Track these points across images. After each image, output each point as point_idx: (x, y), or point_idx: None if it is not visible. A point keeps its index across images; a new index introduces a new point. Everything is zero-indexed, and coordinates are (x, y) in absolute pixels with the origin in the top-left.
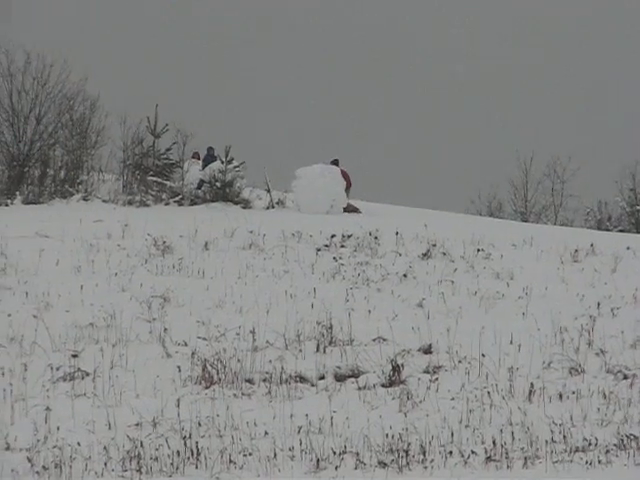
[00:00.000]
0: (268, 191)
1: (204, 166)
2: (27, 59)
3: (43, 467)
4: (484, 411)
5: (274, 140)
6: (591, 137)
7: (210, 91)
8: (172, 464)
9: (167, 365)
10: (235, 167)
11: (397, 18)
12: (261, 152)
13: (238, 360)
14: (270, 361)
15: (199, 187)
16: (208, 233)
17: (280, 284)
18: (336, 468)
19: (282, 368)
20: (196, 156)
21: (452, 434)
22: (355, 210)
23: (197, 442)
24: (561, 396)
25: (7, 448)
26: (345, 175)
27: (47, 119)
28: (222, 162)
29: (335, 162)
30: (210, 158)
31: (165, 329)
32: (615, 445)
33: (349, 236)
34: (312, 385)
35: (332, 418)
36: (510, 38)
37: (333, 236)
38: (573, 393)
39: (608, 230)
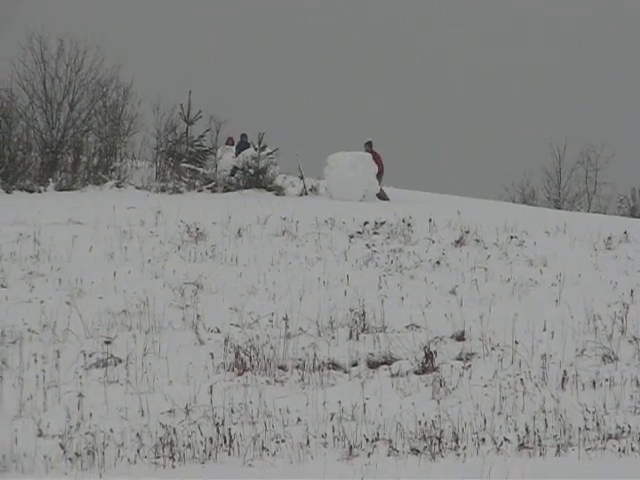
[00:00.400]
0: (301, 178)
1: (237, 153)
2: (60, 46)
3: (76, 454)
4: (517, 398)
5: (308, 126)
6: (625, 124)
7: (243, 78)
8: (205, 451)
9: (200, 352)
10: (268, 154)
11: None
12: (294, 138)
13: (271, 347)
14: (303, 348)
15: (232, 174)
16: (241, 220)
17: (313, 271)
18: (369, 455)
19: (315, 355)
20: (230, 142)
21: (485, 421)
22: (384, 198)
23: (230, 429)
24: (594, 384)
25: (40, 434)
26: (378, 159)
27: (80, 106)
28: (255, 149)
29: (369, 144)
30: (243, 145)
31: (198, 316)
32: None
33: (382, 223)
34: (345, 372)
35: (365, 405)
36: (546, 27)
37: (366, 223)
38: (606, 380)
39: None
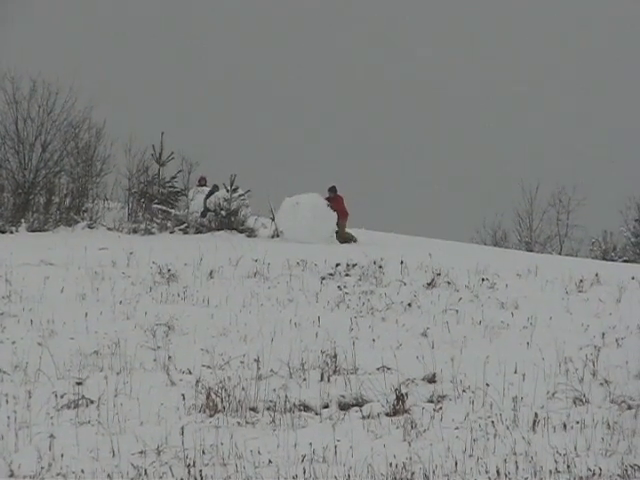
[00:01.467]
0: (273, 219)
1: (207, 197)
2: (33, 86)
3: None
4: (488, 440)
5: (279, 167)
6: (596, 167)
7: (215, 121)
8: None
9: (171, 393)
10: (240, 195)
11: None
12: (266, 180)
13: (242, 388)
14: (274, 390)
15: (203, 215)
16: (213, 261)
17: (285, 313)
18: None
19: (286, 397)
20: (202, 181)
21: (456, 463)
22: (350, 240)
23: (201, 470)
24: (565, 426)
25: (11, 475)
26: (340, 203)
27: (52, 147)
28: (227, 191)
29: (333, 189)
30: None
31: (169, 357)
32: (619, 475)
33: (354, 265)
34: (316, 414)
35: (336, 447)
36: (515, 67)
37: (338, 265)
38: (577, 423)
39: (613, 260)
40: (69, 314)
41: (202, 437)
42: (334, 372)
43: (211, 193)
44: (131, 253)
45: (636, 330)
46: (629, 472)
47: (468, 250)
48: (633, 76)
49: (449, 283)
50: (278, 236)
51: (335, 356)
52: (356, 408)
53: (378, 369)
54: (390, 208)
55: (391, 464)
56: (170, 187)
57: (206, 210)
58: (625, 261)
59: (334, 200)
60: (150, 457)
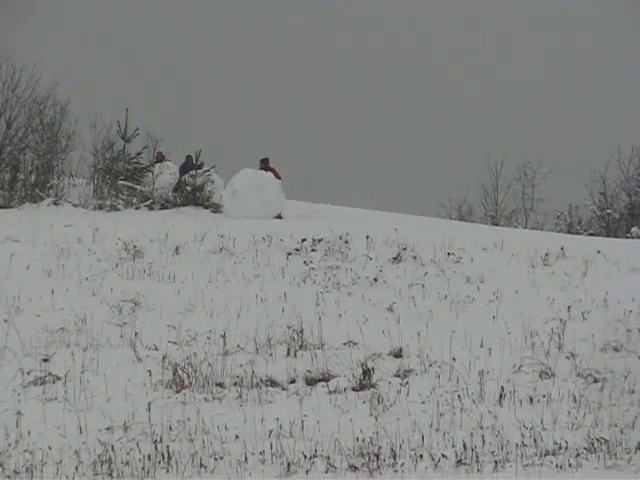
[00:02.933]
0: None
1: (182, 173)
2: None
3: (14, 471)
4: (454, 415)
5: (244, 144)
6: (561, 141)
7: (181, 95)
8: (143, 468)
9: (138, 369)
10: (205, 171)
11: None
12: (232, 156)
13: (209, 364)
14: (241, 365)
15: (176, 190)
16: (179, 237)
17: (251, 288)
18: (307, 472)
19: (253, 372)
20: (160, 156)
21: (423, 438)
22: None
23: (168, 446)
24: (532, 400)
25: None
26: (276, 174)
27: (17, 123)
28: (194, 166)
29: (265, 161)
30: (189, 166)
31: (136, 333)
32: (585, 448)
33: (319, 240)
34: (283, 389)
35: (303, 422)
36: (481, 44)
37: (304, 240)
38: (544, 397)
39: (578, 234)
40: (35, 291)
41: (169, 413)
42: (300, 347)
43: (186, 165)
44: (97, 229)
45: (601, 303)
46: (595, 445)
47: (434, 224)
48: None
49: (415, 258)
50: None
51: (301, 331)
52: (323, 383)
53: (344, 344)
54: (355, 183)
55: (358, 439)
56: (135, 163)
57: (182, 183)
58: (591, 234)
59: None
60: (117, 433)
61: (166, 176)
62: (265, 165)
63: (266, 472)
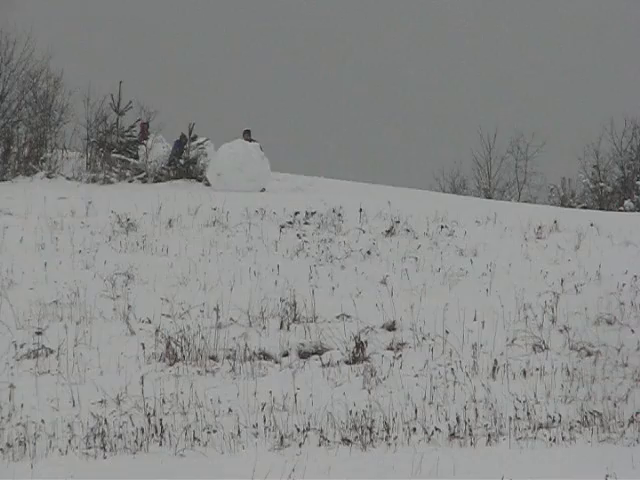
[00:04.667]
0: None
1: (177, 151)
2: None
3: (7, 444)
4: (448, 388)
5: (239, 115)
6: (555, 114)
7: (175, 68)
8: (136, 441)
9: (131, 342)
10: (199, 144)
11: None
12: (225, 128)
13: (202, 337)
14: (234, 338)
15: (170, 163)
16: (172, 210)
17: (244, 261)
18: (300, 445)
19: (246, 345)
20: (145, 127)
21: (416, 411)
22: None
23: (161, 419)
24: (525, 373)
25: None
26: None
27: (10, 97)
28: (185, 139)
29: (248, 132)
30: (182, 144)
31: (129, 306)
32: (579, 422)
33: (313, 213)
34: (276, 362)
35: (296, 395)
36: (473, 18)
37: (297, 213)
38: (537, 370)
39: (572, 207)
40: (28, 264)
41: (162, 386)
42: (294, 320)
43: (180, 143)
44: (90, 202)
45: (595, 276)
46: (588, 418)
47: (427, 197)
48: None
49: (408, 231)
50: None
51: (294, 304)
52: (316, 356)
53: (338, 317)
54: (349, 156)
55: (351, 412)
56: (129, 136)
57: (174, 158)
58: (584, 207)
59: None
60: (110, 406)
61: (159, 149)
62: (248, 137)
63: (259, 445)
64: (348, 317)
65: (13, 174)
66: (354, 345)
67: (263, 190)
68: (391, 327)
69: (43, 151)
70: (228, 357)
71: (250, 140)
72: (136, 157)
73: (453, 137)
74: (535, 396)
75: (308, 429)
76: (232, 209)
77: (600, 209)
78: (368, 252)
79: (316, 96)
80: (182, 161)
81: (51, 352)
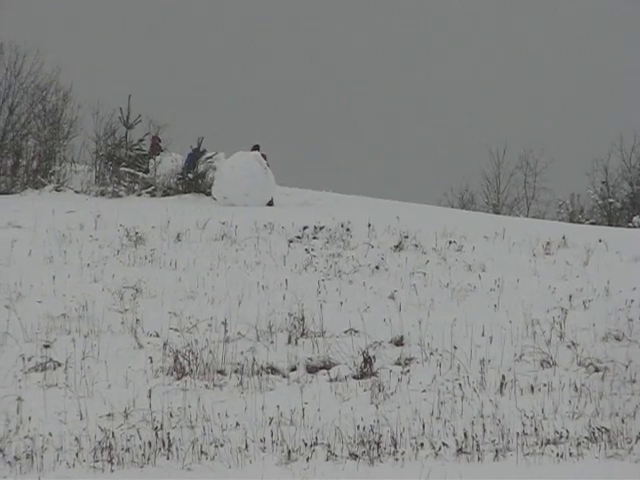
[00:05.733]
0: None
1: (188, 164)
2: (0, 49)
3: (15, 457)
4: (455, 403)
5: (248, 130)
6: (564, 130)
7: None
8: (144, 455)
9: (139, 356)
10: (207, 158)
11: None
12: (234, 142)
13: (210, 351)
14: (242, 352)
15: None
16: (180, 224)
17: (252, 275)
18: (307, 459)
19: (254, 359)
20: (156, 140)
21: (423, 426)
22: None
23: (169, 433)
24: (532, 388)
25: None
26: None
27: (20, 109)
28: (193, 152)
29: (256, 147)
30: (194, 156)
31: (137, 320)
32: (586, 438)
33: (321, 228)
34: (284, 376)
35: (303, 410)
36: (483, 34)
37: (305, 228)
38: (545, 385)
39: (580, 223)
40: (37, 277)
41: (170, 400)
42: (302, 335)
43: (192, 156)
44: (98, 216)
45: (603, 292)
46: (596, 435)
47: (435, 213)
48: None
49: (416, 246)
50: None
51: (303, 319)
52: (324, 371)
53: (346, 332)
54: (358, 171)
55: (359, 427)
56: (137, 150)
57: (185, 171)
58: (592, 224)
59: None
60: (118, 420)
61: (168, 163)
62: (256, 152)
63: (266, 460)
64: (356, 332)
65: (22, 187)
66: (362, 360)
67: (271, 203)
68: (399, 342)
69: (52, 164)
70: (236, 371)
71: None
72: (146, 171)
73: (462, 153)
74: (543, 412)
75: (316, 444)
76: (240, 223)
77: (609, 225)
78: (376, 267)
79: (326, 111)
80: (191, 175)
81: (59, 365)
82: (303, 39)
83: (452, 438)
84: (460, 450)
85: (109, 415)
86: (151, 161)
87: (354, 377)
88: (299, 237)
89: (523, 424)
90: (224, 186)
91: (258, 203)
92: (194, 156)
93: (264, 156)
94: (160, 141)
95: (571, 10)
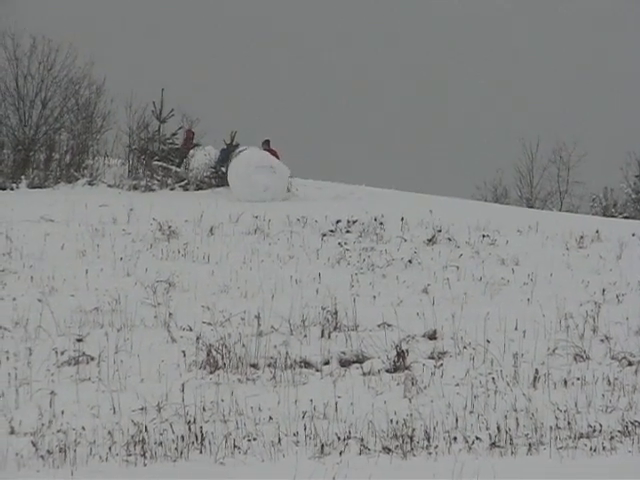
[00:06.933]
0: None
1: (222, 158)
2: (33, 43)
3: (47, 451)
4: (489, 397)
5: (283, 124)
6: (597, 123)
7: (216, 76)
8: (176, 449)
9: (172, 350)
10: (241, 152)
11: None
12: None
13: (243, 345)
14: (275, 346)
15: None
16: (213, 218)
17: (285, 269)
18: (340, 453)
19: (287, 353)
20: (190, 135)
21: (457, 420)
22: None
23: (201, 427)
24: (566, 382)
25: (12, 432)
26: (276, 156)
27: (53, 103)
28: (226, 147)
29: (267, 142)
30: (227, 152)
31: (170, 314)
32: (619, 431)
33: (354, 221)
34: (317, 370)
35: (336, 403)
36: (519, 23)
37: (338, 221)
38: (578, 379)
39: (613, 217)
40: (69, 271)
41: (202, 394)
42: (335, 329)
43: (226, 150)
44: (131, 210)
45: (636, 286)
46: (629, 428)
47: (469, 207)
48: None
49: (450, 239)
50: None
51: (336, 313)
52: (357, 365)
53: (379, 326)
54: (390, 165)
55: (392, 420)
56: (170, 144)
57: (219, 165)
58: (626, 217)
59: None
60: (151, 414)
61: (201, 157)
62: (267, 147)
63: (299, 453)
64: (389, 326)
65: (55, 181)
66: (395, 354)
67: (289, 192)
68: (432, 336)
69: (85, 158)
70: (269, 365)
71: (269, 150)
72: (179, 165)
73: (495, 146)
74: (576, 406)
75: (349, 437)
76: (273, 217)
77: None
78: (409, 261)
79: (360, 105)
80: (224, 169)
81: (92, 359)
82: (335, 32)
83: (485, 432)
84: (493, 444)
85: (142, 409)
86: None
87: (387, 371)
88: (332, 231)
89: (556, 418)
90: (240, 183)
91: (276, 198)
92: (227, 150)
93: (275, 152)
94: (194, 135)
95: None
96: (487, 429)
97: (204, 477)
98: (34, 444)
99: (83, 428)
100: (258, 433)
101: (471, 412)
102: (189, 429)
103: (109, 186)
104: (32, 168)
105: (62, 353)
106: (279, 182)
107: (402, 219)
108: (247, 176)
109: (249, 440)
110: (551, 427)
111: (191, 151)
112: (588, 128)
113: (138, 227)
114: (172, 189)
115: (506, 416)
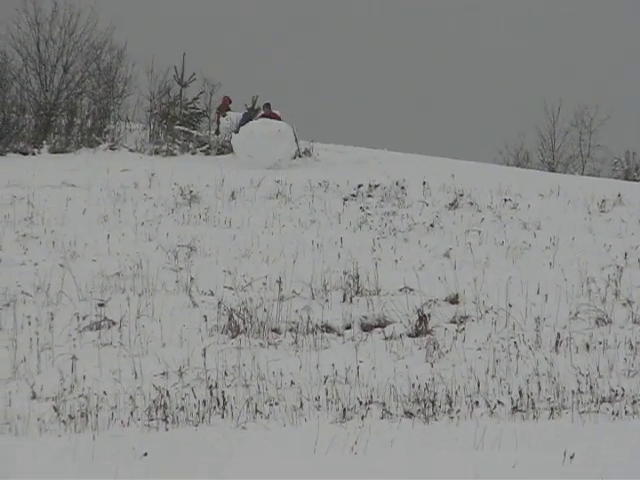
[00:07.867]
0: (295, 141)
1: (243, 122)
2: (54, 8)
3: (69, 416)
4: (510, 361)
5: (302, 88)
6: (619, 86)
7: (238, 40)
8: (198, 414)
9: (193, 315)
10: (262, 116)
11: None
12: (287, 101)
13: (264, 310)
14: (296, 311)
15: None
16: (235, 183)
17: (307, 234)
18: (362, 418)
19: (308, 318)
20: (227, 101)
21: (478, 384)
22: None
23: (223, 392)
24: (588, 346)
25: (33, 397)
26: (277, 118)
27: (74, 68)
28: (247, 111)
29: (267, 105)
30: (249, 116)
31: (191, 279)
32: None
33: (376, 186)
34: (338, 335)
35: (358, 368)
36: None
37: (360, 186)
38: (600, 343)
39: (636, 180)
40: (91, 236)
41: (224, 359)
42: (356, 293)
43: (248, 115)
44: (153, 174)
45: None
46: None
47: (491, 170)
48: None
49: (471, 204)
50: (300, 156)
51: (357, 277)
52: (378, 329)
53: (400, 290)
54: (411, 129)
55: (414, 385)
56: (192, 108)
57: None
58: None
59: (269, 117)
60: (172, 379)
61: (223, 121)
62: (268, 109)
63: (321, 418)
64: (411, 290)
65: (76, 146)
66: (417, 318)
67: (297, 152)
68: (454, 300)
69: (106, 123)
70: (290, 330)
71: (270, 113)
72: (217, 131)
73: (517, 110)
74: (598, 370)
75: (370, 402)
76: (295, 182)
77: None
78: (431, 225)
79: (381, 70)
80: None
81: (113, 324)
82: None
83: (507, 396)
84: (515, 408)
85: (163, 374)
86: (222, 120)
87: (409, 335)
88: (354, 195)
89: (578, 382)
90: (247, 146)
91: (284, 162)
92: (249, 115)
93: (276, 115)
94: (231, 102)
95: None
96: (509, 393)
97: (226, 441)
98: (56, 409)
99: (105, 393)
100: (280, 398)
101: (493, 376)
102: (211, 394)
103: (130, 151)
104: (53, 133)
105: (84, 318)
106: (285, 143)
107: (424, 183)
108: (255, 150)
109: (271, 405)
110: (573, 391)
111: (213, 115)
112: (610, 92)
113: (159, 192)
114: (193, 153)
115: (528, 380)
